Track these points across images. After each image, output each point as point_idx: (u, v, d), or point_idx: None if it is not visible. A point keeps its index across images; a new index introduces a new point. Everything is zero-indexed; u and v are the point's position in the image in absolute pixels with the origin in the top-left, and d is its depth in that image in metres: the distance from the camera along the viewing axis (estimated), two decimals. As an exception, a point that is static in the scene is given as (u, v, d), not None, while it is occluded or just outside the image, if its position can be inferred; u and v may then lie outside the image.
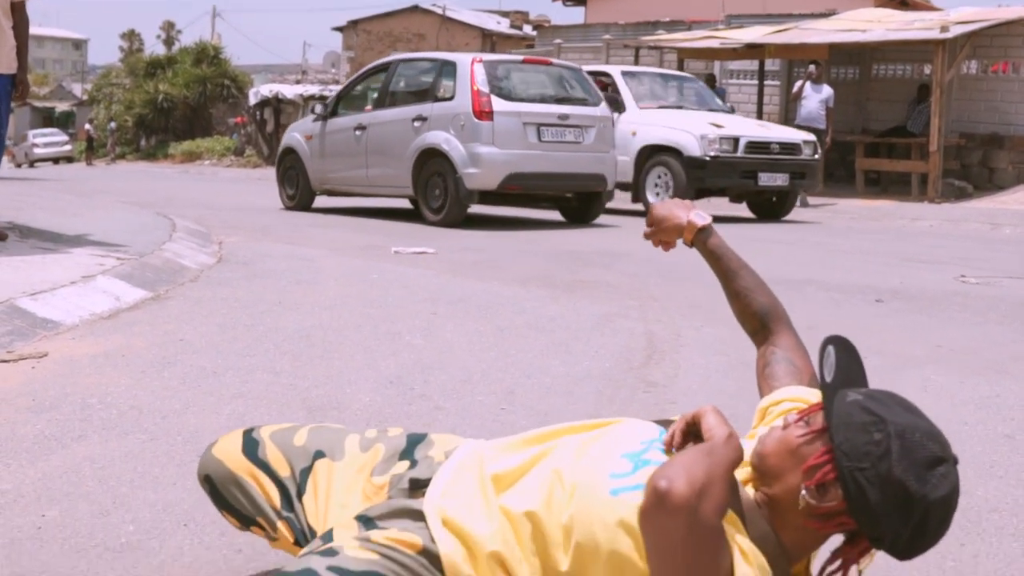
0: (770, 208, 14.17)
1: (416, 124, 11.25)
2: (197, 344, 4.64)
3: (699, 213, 2.32)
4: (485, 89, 10.72)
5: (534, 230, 11.17)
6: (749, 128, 14.12)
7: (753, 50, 18.89)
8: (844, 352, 1.79)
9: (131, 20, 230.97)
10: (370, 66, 13.43)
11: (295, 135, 13.41)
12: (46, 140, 47.18)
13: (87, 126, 46.41)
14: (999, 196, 17.26)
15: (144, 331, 4.89)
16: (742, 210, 14.36)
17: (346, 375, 4.14)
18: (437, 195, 11.07)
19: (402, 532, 1.80)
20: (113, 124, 43.96)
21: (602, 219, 12.38)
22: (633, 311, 5.72)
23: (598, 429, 1.89)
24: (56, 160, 45.82)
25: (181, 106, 42.02)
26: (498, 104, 10.73)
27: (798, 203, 15.62)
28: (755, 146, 13.30)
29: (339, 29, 42.64)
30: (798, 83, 16.33)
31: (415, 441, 2.07)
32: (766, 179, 13.26)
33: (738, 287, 2.29)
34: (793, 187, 13.76)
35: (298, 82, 38.03)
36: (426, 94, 11.53)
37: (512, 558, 1.76)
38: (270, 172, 29.26)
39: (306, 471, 2.06)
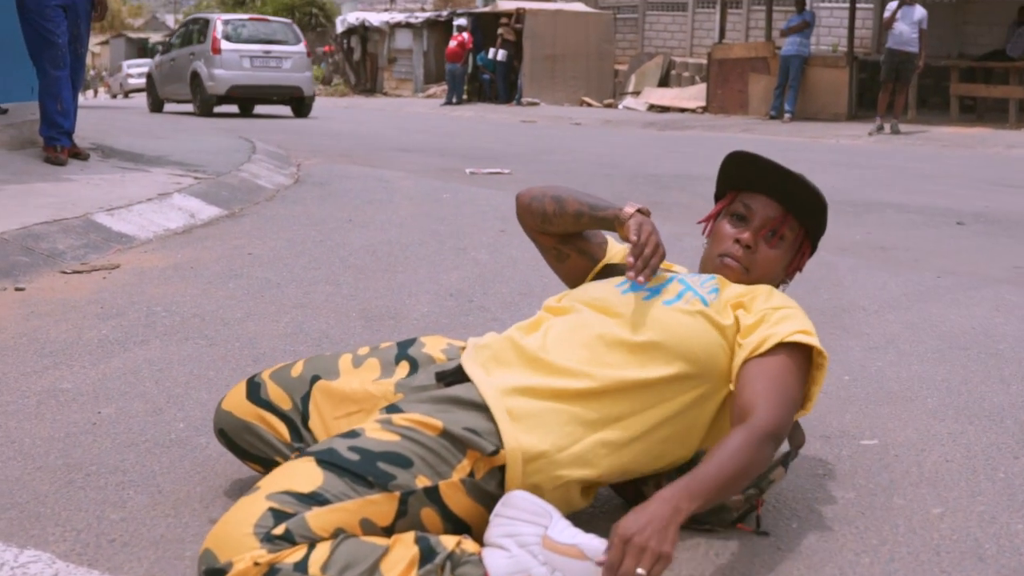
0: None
1: (191, 57, 18.70)
2: (264, 258, 4.70)
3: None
4: (220, 36, 18.13)
5: (622, 154, 11.08)
6: None
7: (846, -29, 18.32)
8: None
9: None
10: (181, 22, 21.97)
11: (152, 63, 21.88)
12: (140, 71, 47.70)
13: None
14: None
15: (214, 245, 4.97)
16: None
17: (407, 287, 4.17)
18: (198, 99, 18.46)
19: (423, 415, 1.83)
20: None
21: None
22: (699, 227, 5.66)
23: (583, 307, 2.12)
24: (150, 90, 46.40)
25: (270, 35, 42.32)
26: (225, 44, 18.09)
27: (888, 130, 15.27)
28: None
29: (427, -44, 42.36)
30: (890, 6, 15.80)
31: (406, 345, 2.16)
32: None
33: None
34: None
35: (386, 10, 37.91)
36: (198, 39, 18.82)
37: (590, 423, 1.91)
38: (358, 100, 29.50)
39: (306, 397, 2.11)
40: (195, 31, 19.32)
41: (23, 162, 6.86)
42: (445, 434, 1.81)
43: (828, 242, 5.44)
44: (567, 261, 2.37)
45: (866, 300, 4.17)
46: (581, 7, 28.04)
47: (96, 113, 14.12)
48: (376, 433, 1.80)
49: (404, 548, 1.67)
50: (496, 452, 1.82)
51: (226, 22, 18.81)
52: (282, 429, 2.11)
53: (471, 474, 1.81)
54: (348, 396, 2.07)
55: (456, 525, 1.80)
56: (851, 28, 19.04)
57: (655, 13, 27.46)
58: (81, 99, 7.70)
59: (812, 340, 2.00)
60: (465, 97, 26.41)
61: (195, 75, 18.38)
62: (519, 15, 26.26)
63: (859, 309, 4.02)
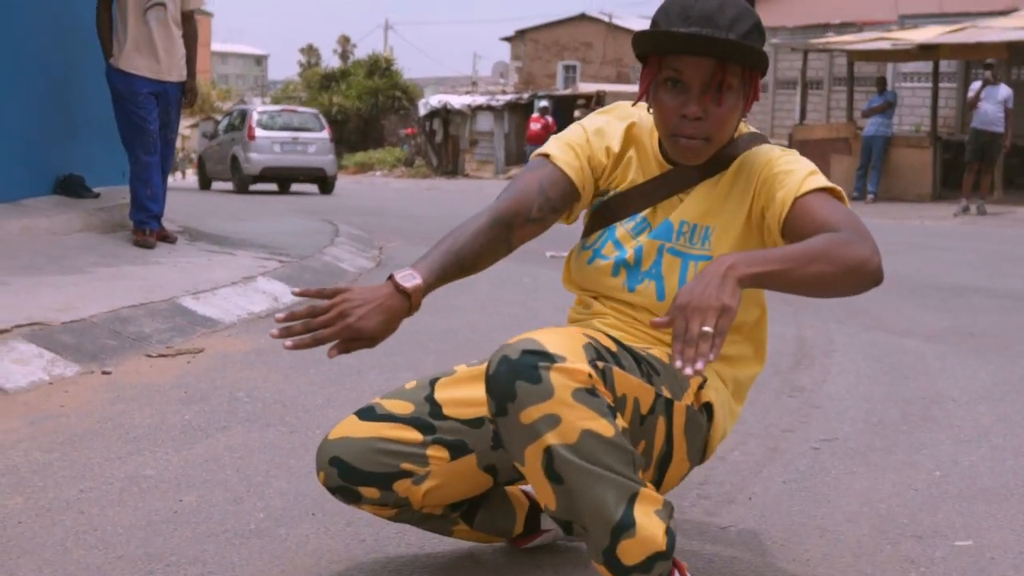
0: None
1: (231, 142, 21.78)
2: (345, 342, 4.72)
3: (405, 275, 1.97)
4: (255, 124, 21.21)
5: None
6: None
7: (927, 51, 18.23)
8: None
9: (310, 35, 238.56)
10: (227, 111, 26.78)
11: (202, 147, 25.38)
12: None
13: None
14: None
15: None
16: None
17: (487, 374, 4.15)
18: (236, 178, 21.44)
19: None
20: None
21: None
22: (786, 316, 5.58)
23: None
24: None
25: (354, 118, 43.03)
26: (259, 131, 21.11)
27: (974, 211, 15.04)
28: None
29: (507, 39, 42.99)
30: (974, 86, 15.66)
31: None
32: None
33: (469, 263, 2.05)
34: None
35: (467, 93, 38.48)
36: (238, 126, 21.92)
37: None
38: (440, 183, 29.87)
39: (429, 396, 2.09)
40: (236, 120, 22.65)
41: (113, 244, 7.02)
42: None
43: (915, 329, 5.38)
44: (557, 216, 2.15)
45: (956, 390, 4.07)
46: (661, 89, 28.18)
47: (184, 195, 14.46)
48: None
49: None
50: (705, 384, 2.01)
51: (261, 112, 22.41)
52: (409, 433, 2.05)
53: (691, 404, 1.96)
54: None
55: (667, 449, 1.93)
56: (934, 108, 18.90)
57: (735, 94, 27.50)
58: (170, 181, 7.89)
59: (821, 180, 1.95)
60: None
61: (234, 158, 21.53)
62: (599, 97, 26.51)
63: (949, 400, 3.91)
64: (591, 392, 1.68)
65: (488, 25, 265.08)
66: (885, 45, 18.89)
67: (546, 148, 2.14)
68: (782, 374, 4.27)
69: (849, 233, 1.79)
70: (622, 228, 2.12)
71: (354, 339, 1.86)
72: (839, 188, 1.96)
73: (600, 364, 1.74)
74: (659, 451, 1.92)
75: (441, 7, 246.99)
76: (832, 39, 20.93)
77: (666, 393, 1.90)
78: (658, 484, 1.98)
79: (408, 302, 1.92)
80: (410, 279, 1.92)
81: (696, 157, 2.00)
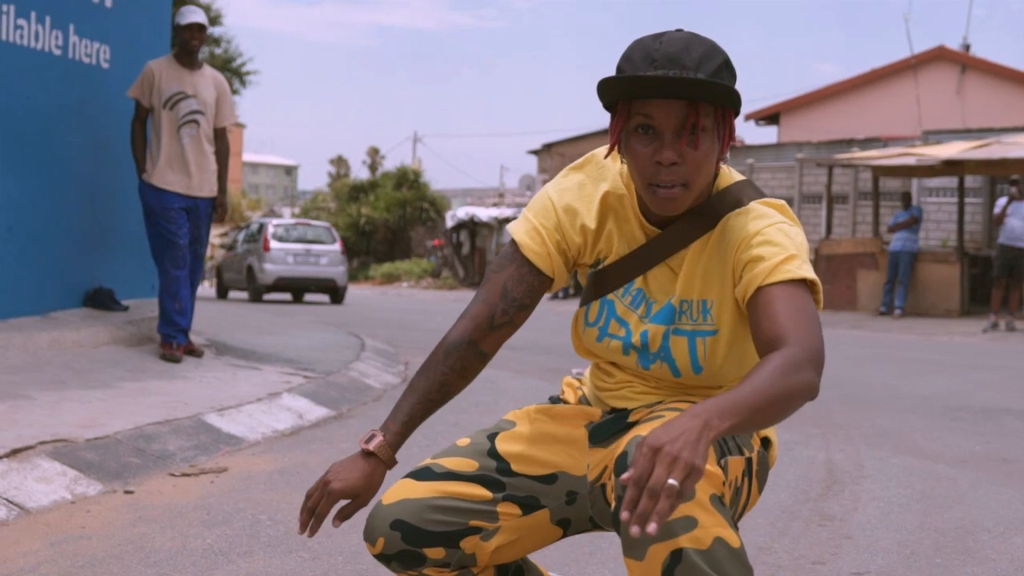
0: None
1: (247, 253, 23.15)
2: (370, 463, 4.69)
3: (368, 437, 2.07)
4: (270, 236, 22.44)
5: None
6: None
7: (952, 167, 18.32)
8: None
9: (339, 147, 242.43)
10: (248, 224, 26.82)
11: (220, 257, 26.97)
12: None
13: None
14: None
15: (322, 449, 4.99)
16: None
17: (512, 498, 4.11)
18: (251, 288, 22.63)
19: None
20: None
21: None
22: (815, 439, 5.52)
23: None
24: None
25: (382, 229, 43.41)
26: (274, 243, 22.29)
27: (1003, 327, 14.95)
28: None
29: (534, 152, 43.53)
30: (1000, 202, 15.68)
31: (554, 399, 2.28)
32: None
33: (436, 395, 2.07)
34: None
35: (495, 205, 38.83)
36: (255, 238, 23.24)
37: None
38: (466, 294, 30.00)
39: (493, 452, 2.06)
40: (254, 232, 23.98)
41: (140, 358, 7.05)
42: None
43: (946, 453, 5.30)
44: (527, 311, 2.10)
45: (990, 520, 3.98)
46: (686, 202, 28.35)
47: (208, 305, 14.55)
48: None
49: None
50: None
51: (276, 225, 23.64)
52: (476, 490, 2.01)
53: (760, 448, 1.99)
54: (560, 415, 2.12)
55: (748, 498, 1.95)
56: (960, 223, 18.93)
57: (760, 208, 27.59)
58: (199, 290, 7.94)
59: (789, 271, 1.83)
60: (571, 292, 26.66)
61: (250, 268, 22.89)
62: (623, 210, 26.62)
63: (983, 530, 3.83)
64: (721, 499, 1.69)
65: (515, 138, 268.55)
66: (910, 161, 18.97)
67: (515, 230, 2.08)
68: (812, 501, 4.20)
69: (796, 350, 1.71)
70: (621, 304, 2.05)
71: (347, 503, 2.01)
72: (811, 277, 1.85)
73: (722, 461, 1.79)
74: (743, 504, 1.94)
75: (468, 120, 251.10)
76: (857, 154, 21.04)
77: (747, 452, 1.92)
78: (736, 523, 1.93)
79: (378, 459, 2.01)
80: (371, 440, 2.03)
81: (676, 206, 1.90)
